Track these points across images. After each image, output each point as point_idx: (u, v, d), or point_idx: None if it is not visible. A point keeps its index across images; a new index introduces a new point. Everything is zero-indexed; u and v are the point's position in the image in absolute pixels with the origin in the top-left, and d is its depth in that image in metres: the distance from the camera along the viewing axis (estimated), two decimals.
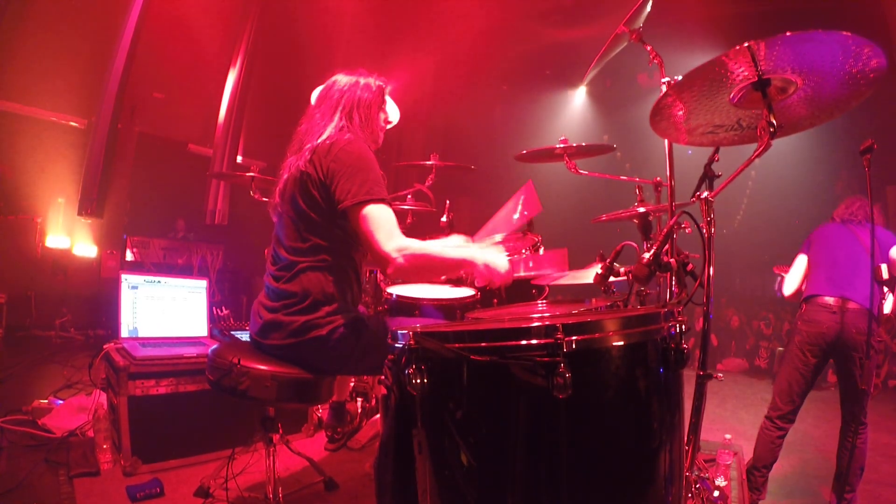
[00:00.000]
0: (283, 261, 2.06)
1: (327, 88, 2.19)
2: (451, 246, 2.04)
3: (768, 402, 2.99)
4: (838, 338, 2.70)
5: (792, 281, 3.03)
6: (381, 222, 1.85)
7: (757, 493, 2.82)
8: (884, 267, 2.76)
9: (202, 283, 3.52)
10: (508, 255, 2.14)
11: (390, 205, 1.94)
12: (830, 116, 1.62)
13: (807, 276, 3.00)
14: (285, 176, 2.09)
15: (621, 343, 1.23)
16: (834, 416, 2.81)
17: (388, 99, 2.44)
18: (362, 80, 2.20)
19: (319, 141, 2.00)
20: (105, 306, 6.15)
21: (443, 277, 2.80)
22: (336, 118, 2.10)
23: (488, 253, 1.99)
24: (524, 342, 1.17)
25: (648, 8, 2.15)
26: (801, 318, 2.84)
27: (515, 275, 2.21)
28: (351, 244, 2.08)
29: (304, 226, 2.02)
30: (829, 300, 2.75)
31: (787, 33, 1.29)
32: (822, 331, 2.73)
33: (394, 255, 1.81)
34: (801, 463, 3.63)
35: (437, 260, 1.91)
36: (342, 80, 2.19)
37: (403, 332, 1.27)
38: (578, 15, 7.59)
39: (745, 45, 1.34)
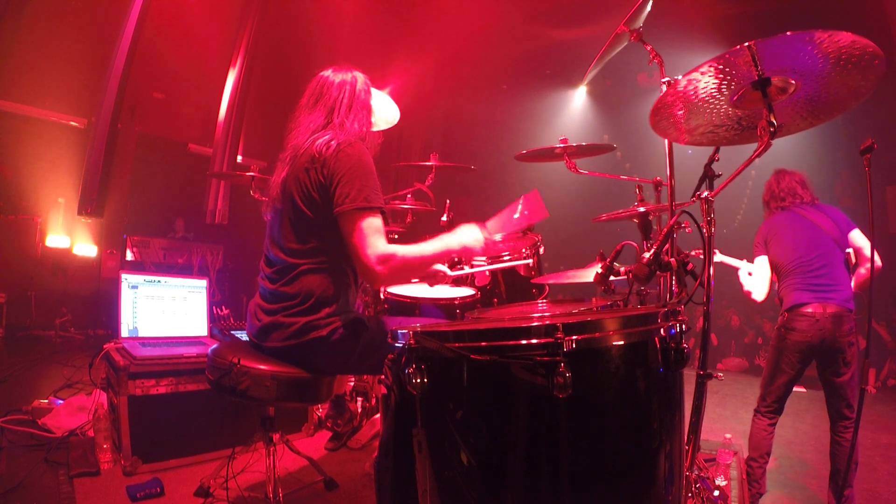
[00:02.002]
0: (280, 262, 2.05)
1: (317, 86, 2.17)
2: (427, 242, 2.06)
3: None
4: (822, 342, 2.71)
5: (760, 286, 2.93)
6: (370, 232, 1.88)
7: (757, 486, 2.82)
8: (851, 252, 2.77)
9: (202, 283, 3.52)
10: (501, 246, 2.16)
11: (384, 213, 1.96)
12: (830, 116, 1.62)
13: (778, 280, 2.97)
14: (283, 176, 2.07)
15: (621, 342, 1.23)
16: None
17: (388, 98, 2.43)
18: (351, 78, 2.18)
19: (319, 142, 1.98)
20: (105, 306, 6.16)
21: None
22: (328, 117, 2.09)
23: (460, 235, 2.08)
24: (524, 342, 1.17)
25: (648, 8, 2.16)
26: (785, 327, 2.84)
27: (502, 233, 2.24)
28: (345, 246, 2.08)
29: (302, 227, 2.01)
30: (810, 309, 2.75)
31: (788, 33, 1.29)
32: (806, 339, 2.74)
33: (377, 267, 1.86)
34: (799, 463, 3.63)
35: (416, 261, 1.98)
36: (332, 77, 2.16)
37: (403, 331, 1.27)
38: (578, 15, 7.59)
39: (746, 44, 1.34)
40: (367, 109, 2.20)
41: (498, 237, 2.22)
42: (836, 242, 2.76)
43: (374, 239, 1.88)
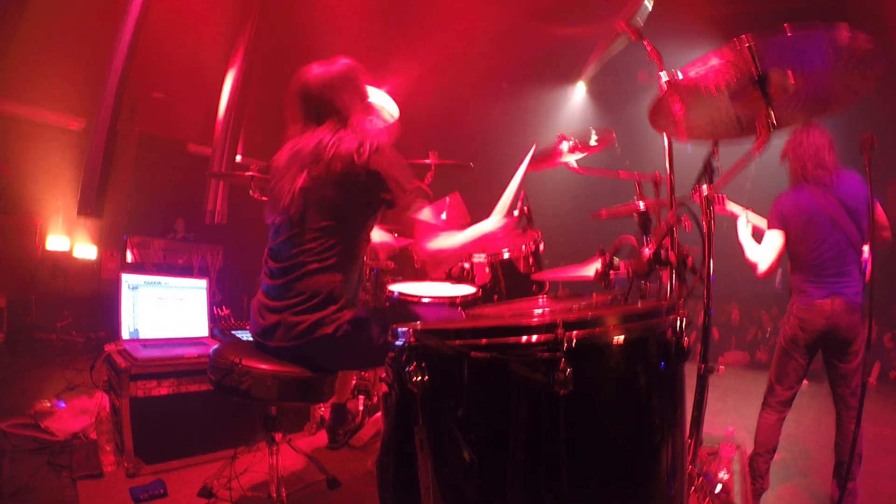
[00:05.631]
0: (287, 260, 2.04)
1: (307, 93, 2.13)
2: (466, 231, 2.21)
3: None
4: (830, 331, 2.72)
5: (767, 259, 2.86)
6: (426, 225, 2.04)
7: (761, 481, 2.82)
8: (866, 249, 2.74)
9: (202, 283, 3.52)
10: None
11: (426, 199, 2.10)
12: (830, 114, 1.62)
13: (790, 262, 2.93)
14: (298, 184, 2.02)
15: (622, 338, 1.23)
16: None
17: (387, 96, 2.43)
18: (337, 70, 2.14)
19: (347, 147, 1.97)
20: (106, 308, 6.15)
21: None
22: (335, 119, 2.07)
23: (488, 222, 2.23)
24: (525, 338, 1.17)
25: (649, 6, 2.15)
26: (793, 314, 2.84)
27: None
28: (358, 244, 2.09)
29: (314, 226, 2.00)
30: (819, 301, 2.75)
31: (787, 30, 1.29)
32: (815, 328, 2.75)
33: (427, 258, 2.16)
34: (803, 456, 3.63)
35: (459, 249, 2.21)
36: (318, 78, 2.13)
37: (404, 329, 1.27)
38: (578, 13, 7.58)
39: (745, 41, 1.34)
40: (363, 98, 2.18)
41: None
42: (850, 240, 2.74)
43: (429, 229, 2.05)
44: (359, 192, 1.97)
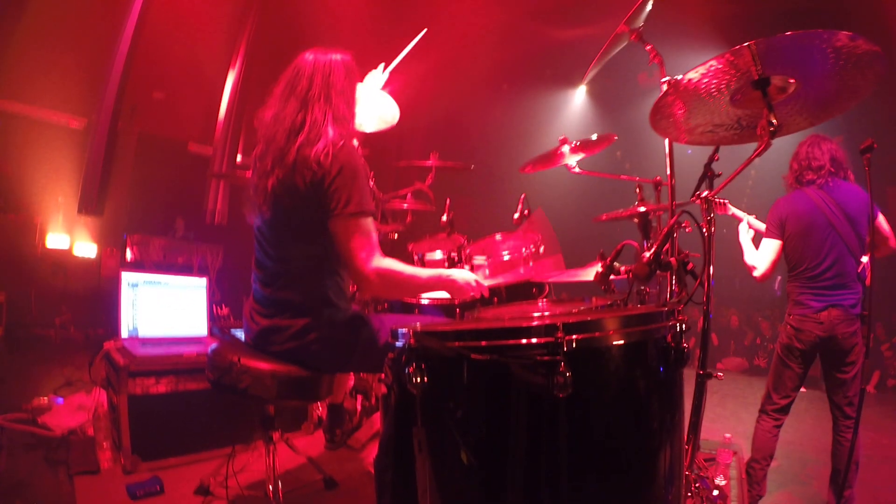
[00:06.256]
0: (273, 266, 2.03)
1: (292, 74, 2.03)
2: (422, 269, 2.09)
3: None
4: (827, 341, 2.72)
5: (763, 264, 2.91)
6: (366, 240, 1.87)
7: (758, 488, 2.81)
8: (865, 260, 2.74)
9: (202, 282, 3.52)
10: (508, 257, 2.14)
11: (376, 218, 1.95)
12: (830, 116, 1.63)
13: (789, 273, 2.94)
14: (270, 183, 1.95)
15: (621, 342, 1.23)
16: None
17: (388, 98, 2.41)
18: (326, 63, 2.02)
19: (315, 150, 1.87)
20: (105, 305, 6.15)
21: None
22: (304, 113, 1.96)
23: (455, 272, 2.08)
24: (524, 341, 1.17)
25: (649, 7, 2.16)
26: (791, 324, 2.84)
27: (513, 278, 2.22)
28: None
29: (294, 232, 1.96)
30: (816, 311, 2.75)
31: (788, 33, 1.29)
32: (812, 339, 2.75)
33: (372, 276, 1.86)
34: (800, 463, 3.63)
35: (408, 280, 1.97)
36: (306, 64, 2.02)
37: (404, 330, 1.27)
38: (579, 14, 7.59)
39: (746, 44, 1.34)
40: (346, 96, 2.05)
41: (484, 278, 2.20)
42: (849, 247, 2.74)
43: (371, 247, 1.88)
44: (324, 195, 1.88)
